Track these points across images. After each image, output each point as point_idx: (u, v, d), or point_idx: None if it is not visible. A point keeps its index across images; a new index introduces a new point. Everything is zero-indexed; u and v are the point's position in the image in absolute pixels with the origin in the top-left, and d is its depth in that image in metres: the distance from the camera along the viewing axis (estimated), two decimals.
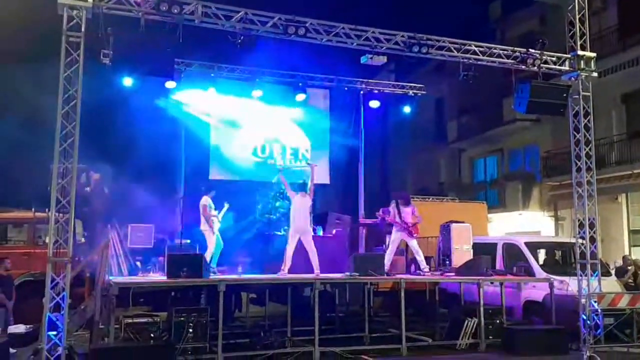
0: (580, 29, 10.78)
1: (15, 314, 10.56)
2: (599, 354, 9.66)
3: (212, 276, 10.24)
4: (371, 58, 11.91)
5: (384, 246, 12.84)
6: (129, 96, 12.55)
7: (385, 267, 11.29)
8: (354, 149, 16.17)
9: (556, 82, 11.33)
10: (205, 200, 11.35)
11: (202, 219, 11.31)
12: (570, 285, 11.13)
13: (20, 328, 10.20)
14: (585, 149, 10.73)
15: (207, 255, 10.86)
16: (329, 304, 12.82)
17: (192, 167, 13.95)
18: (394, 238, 11.99)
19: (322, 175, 15.66)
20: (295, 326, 11.16)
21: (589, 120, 10.81)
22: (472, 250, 12.60)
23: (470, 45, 10.71)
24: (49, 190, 8.22)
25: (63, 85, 8.16)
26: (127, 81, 12.15)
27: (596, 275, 10.49)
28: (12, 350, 8.91)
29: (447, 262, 12.57)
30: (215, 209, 11.47)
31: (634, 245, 18.18)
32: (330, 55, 12.10)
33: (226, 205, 11.73)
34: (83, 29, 8.26)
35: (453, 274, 11.95)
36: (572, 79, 10.99)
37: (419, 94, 15.99)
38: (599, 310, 10.12)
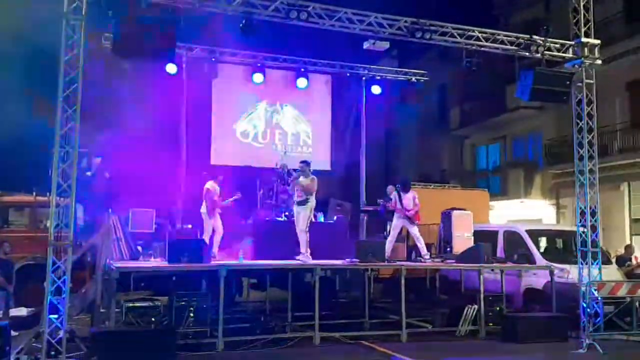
0: (584, 16, 10.68)
1: (17, 297, 10.59)
2: (599, 342, 9.67)
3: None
4: (374, 44, 11.85)
5: (385, 233, 12.85)
6: (129, 80, 12.52)
7: (386, 254, 11.30)
8: (356, 135, 16.14)
9: (560, 70, 11.25)
10: (210, 184, 11.34)
11: (204, 202, 11.32)
12: (570, 273, 11.17)
13: (22, 311, 10.25)
14: (588, 137, 10.67)
15: (204, 239, 10.89)
16: (330, 290, 12.85)
17: (194, 153, 13.93)
18: (395, 225, 11.99)
19: (323, 161, 15.67)
20: (296, 311, 11.19)
21: (592, 109, 10.75)
22: (473, 238, 12.60)
23: (473, 31, 10.63)
24: (50, 174, 8.22)
25: (64, 68, 8.12)
26: (128, 65, 12.13)
27: (597, 264, 10.49)
28: (13, 333, 8.94)
29: (448, 249, 12.58)
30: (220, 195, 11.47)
31: (635, 234, 18.17)
32: (332, 40, 12.03)
33: (237, 195, 11.74)
34: (84, 12, 8.21)
35: (454, 261, 11.96)
36: (576, 66, 10.92)
37: (422, 81, 15.93)
38: (599, 299, 10.13)
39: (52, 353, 7.71)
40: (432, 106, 27.38)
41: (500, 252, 12.74)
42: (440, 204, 13.72)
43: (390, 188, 12.34)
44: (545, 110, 20.95)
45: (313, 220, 12.61)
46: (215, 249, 11.12)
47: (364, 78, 15.81)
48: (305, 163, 11.34)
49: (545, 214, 21.51)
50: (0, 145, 15.11)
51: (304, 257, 10.81)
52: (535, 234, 12.83)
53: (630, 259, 13.48)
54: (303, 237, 10.98)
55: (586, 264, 10.43)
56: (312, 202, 11.11)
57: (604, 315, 10.17)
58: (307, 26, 9.81)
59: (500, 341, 10.44)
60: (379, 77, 15.79)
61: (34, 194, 12.39)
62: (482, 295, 10.89)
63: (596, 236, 10.61)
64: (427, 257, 11.96)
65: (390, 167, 26.55)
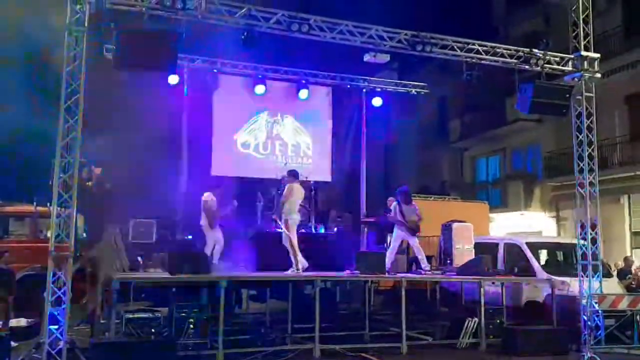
0: (584, 30, 10.74)
1: (17, 307, 10.57)
2: (599, 355, 9.65)
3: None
4: (374, 56, 11.89)
5: (386, 245, 12.84)
6: (130, 91, 12.54)
7: (387, 266, 11.28)
8: (356, 146, 16.17)
9: (559, 83, 11.29)
10: (207, 196, 11.35)
11: (203, 214, 11.32)
12: (571, 286, 11.14)
13: (21, 322, 10.22)
14: (587, 150, 10.69)
15: (206, 251, 10.88)
16: (330, 302, 12.81)
17: (195, 164, 13.95)
18: (396, 236, 11.98)
19: (323, 172, 15.70)
20: (296, 323, 11.15)
21: (591, 121, 10.77)
22: (473, 250, 12.58)
23: (473, 44, 10.68)
24: (50, 184, 8.23)
25: (66, 79, 8.16)
26: (129, 76, 12.16)
27: (597, 277, 10.48)
28: (13, 344, 8.92)
29: (448, 261, 12.55)
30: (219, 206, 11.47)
31: (636, 247, 18.16)
32: (333, 52, 12.07)
33: (233, 204, 11.74)
34: (86, 24, 8.26)
35: (454, 273, 11.94)
36: (576, 79, 10.96)
37: (422, 93, 15.99)
38: (600, 312, 10.11)
39: None
40: (432, 118, 27.55)
41: (500, 265, 12.72)
42: (441, 216, 13.71)
43: (390, 200, 12.36)
44: (543, 123, 21.04)
45: (313, 231, 12.64)
46: (215, 260, 11.11)
47: (364, 90, 15.87)
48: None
49: (546, 226, 21.51)
50: (1, 155, 15.12)
51: (292, 272, 10.75)
52: (535, 247, 12.83)
53: (630, 272, 13.47)
54: (290, 252, 10.84)
55: (586, 276, 10.41)
56: (286, 214, 10.86)
57: (605, 328, 10.13)
58: (308, 38, 9.86)
59: (501, 354, 10.39)
60: (379, 89, 15.85)
61: (35, 204, 12.39)
62: (482, 308, 10.86)
63: (596, 249, 10.60)
64: (428, 269, 11.95)
65: (390, 178, 26.58)
